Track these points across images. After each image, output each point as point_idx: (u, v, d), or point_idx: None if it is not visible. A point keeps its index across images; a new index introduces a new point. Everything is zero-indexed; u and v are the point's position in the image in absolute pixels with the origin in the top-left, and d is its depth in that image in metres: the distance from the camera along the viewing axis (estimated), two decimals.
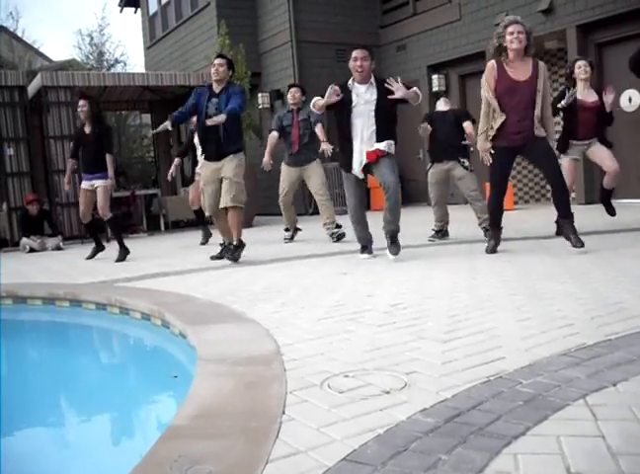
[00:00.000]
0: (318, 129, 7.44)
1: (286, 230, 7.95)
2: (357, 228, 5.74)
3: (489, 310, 3.28)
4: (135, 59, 42.95)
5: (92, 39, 21.37)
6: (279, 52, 13.31)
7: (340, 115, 5.45)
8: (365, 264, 5.41)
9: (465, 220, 8.08)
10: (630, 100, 9.54)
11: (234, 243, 6.13)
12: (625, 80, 9.62)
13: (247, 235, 7.01)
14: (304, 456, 1.72)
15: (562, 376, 2.18)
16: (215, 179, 6.09)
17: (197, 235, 9.00)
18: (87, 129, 7.38)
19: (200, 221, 8.57)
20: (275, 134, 7.73)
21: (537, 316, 3.06)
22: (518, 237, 6.40)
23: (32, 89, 11.45)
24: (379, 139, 5.35)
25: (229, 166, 6.01)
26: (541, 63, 5.17)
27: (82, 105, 7.32)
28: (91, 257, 7.61)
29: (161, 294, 4.53)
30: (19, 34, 22.50)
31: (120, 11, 19.09)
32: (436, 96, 12.73)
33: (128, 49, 49.15)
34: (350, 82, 5.43)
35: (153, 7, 16.92)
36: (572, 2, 9.95)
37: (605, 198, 6.42)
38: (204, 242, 8.34)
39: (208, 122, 5.82)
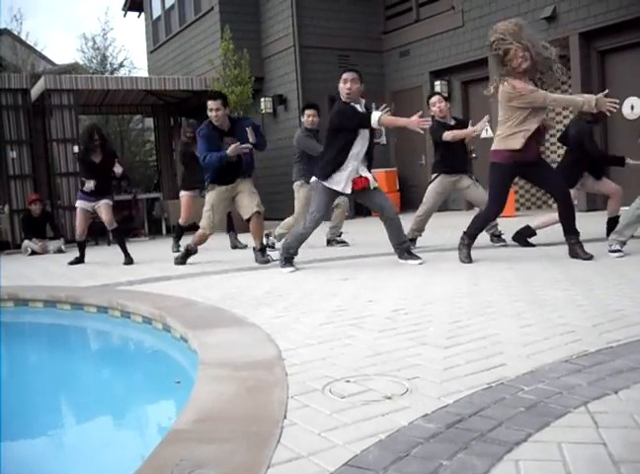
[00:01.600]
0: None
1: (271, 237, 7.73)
2: (302, 240, 5.70)
3: (490, 316, 3.28)
4: (138, 63, 43.10)
5: (95, 42, 21.44)
6: (281, 57, 13.33)
7: (347, 133, 5.40)
8: (366, 269, 5.41)
9: (464, 227, 8.07)
10: (632, 108, 9.55)
11: (258, 247, 6.35)
12: (627, 87, 9.65)
13: (248, 240, 7.02)
14: (306, 461, 1.72)
15: (563, 383, 2.18)
16: (228, 197, 6.32)
17: None
18: (97, 159, 7.42)
19: (179, 233, 8.47)
20: None
21: (539, 323, 3.06)
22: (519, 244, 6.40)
23: (35, 92, 11.48)
24: (368, 167, 5.54)
25: (245, 181, 6.32)
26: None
27: (97, 139, 7.36)
28: (73, 263, 7.62)
29: (162, 298, 4.53)
30: (22, 37, 22.56)
31: (124, 15, 19.17)
32: None
33: (132, 53, 49.32)
34: (357, 105, 5.43)
35: (157, 11, 16.96)
36: (575, 10, 9.97)
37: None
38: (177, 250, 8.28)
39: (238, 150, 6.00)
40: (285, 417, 2.05)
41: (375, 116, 5.28)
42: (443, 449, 1.72)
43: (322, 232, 7.69)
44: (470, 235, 5.46)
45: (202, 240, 6.55)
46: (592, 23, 9.78)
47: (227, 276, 5.64)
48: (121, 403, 3.35)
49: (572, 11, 10.02)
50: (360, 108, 5.43)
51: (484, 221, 5.54)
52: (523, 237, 6.26)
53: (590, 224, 7.17)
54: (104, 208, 7.51)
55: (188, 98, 13.63)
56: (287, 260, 5.66)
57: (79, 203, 7.62)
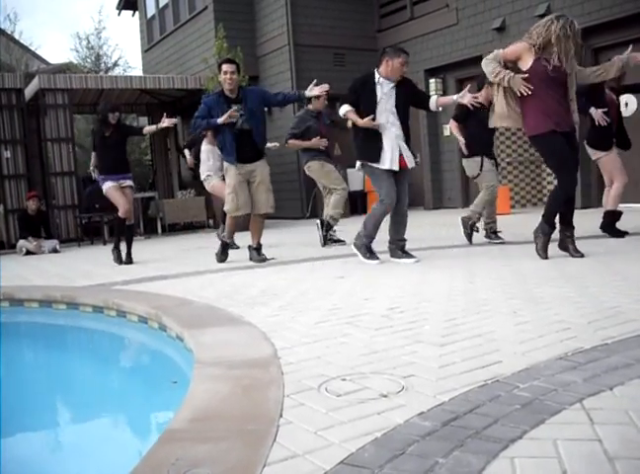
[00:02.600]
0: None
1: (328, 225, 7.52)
2: (378, 227, 5.57)
3: (486, 314, 3.28)
4: (133, 62, 43.02)
5: (89, 42, 21.40)
6: (276, 56, 13.33)
7: (365, 110, 5.40)
8: (362, 267, 5.41)
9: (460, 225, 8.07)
10: (626, 105, 9.56)
11: (255, 245, 6.34)
12: (621, 85, 9.65)
13: (245, 238, 7.02)
14: (302, 460, 1.72)
15: (559, 380, 2.18)
16: (246, 179, 6.18)
17: (193, 238, 9.00)
18: (107, 133, 7.12)
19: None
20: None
21: (534, 320, 3.07)
22: (515, 241, 6.41)
23: (29, 91, 11.46)
24: (407, 141, 5.50)
25: (264, 171, 6.23)
26: None
27: (116, 115, 7.11)
28: (127, 261, 7.18)
29: (158, 297, 4.53)
30: (16, 36, 22.50)
31: (118, 14, 19.14)
32: None
33: (126, 52, 49.23)
34: (377, 75, 5.42)
35: (151, 10, 16.94)
36: (569, 7, 9.98)
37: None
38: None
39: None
40: (281, 415, 2.05)
41: (343, 109, 5.47)
42: (439, 447, 1.72)
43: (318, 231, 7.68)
44: (550, 217, 5.02)
45: (234, 224, 6.41)
46: (585, 20, 9.79)
47: (223, 274, 5.63)
48: (117, 402, 3.35)
49: (565, 8, 10.03)
50: (392, 85, 5.40)
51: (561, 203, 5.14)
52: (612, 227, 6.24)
53: (586, 222, 7.19)
54: (129, 193, 7.18)
55: (182, 97, 13.61)
56: (370, 250, 5.59)
57: (107, 184, 7.11)
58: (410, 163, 5.50)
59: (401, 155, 5.44)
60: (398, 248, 5.58)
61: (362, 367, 2.50)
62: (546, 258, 4.99)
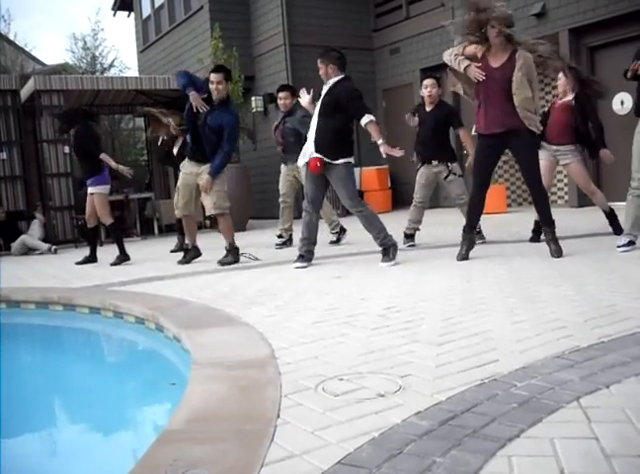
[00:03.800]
0: None
1: (280, 236, 7.79)
2: (307, 229, 5.65)
3: (483, 313, 3.29)
4: (129, 63, 42.93)
5: (85, 42, 21.35)
6: (272, 56, 13.32)
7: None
8: (359, 267, 5.41)
9: (457, 224, 8.09)
10: (622, 103, 9.59)
11: (227, 247, 6.31)
12: (617, 83, 9.68)
13: (240, 239, 7.01)
14: (299, 460, 1.72)
15: (556, 379, 2.18)
16: (192, 181, 6.33)
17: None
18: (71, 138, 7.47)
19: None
20: None
21: (531, 319, 3.07)
22: (511, 240, 6.43)
23: (25, 93, 11.43)
24: (318, 147, 5.43)
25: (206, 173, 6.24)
26: (522, 52, 5.13)
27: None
28: (82, 263, 7.51)
29: (155, 298, 4.52)
30: (11, 37, 22.44)
31: (114, 15, 19.10)
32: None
33: (122, 53, 49.15)
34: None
35: (146, 11, 16.91)
36: (564, 6, 10.00)
37: (611, 222, 6.20)
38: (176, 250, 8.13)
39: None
40: (279, 416, 2.05)
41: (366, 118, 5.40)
42: (437, 446, 1.73)
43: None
44: (465, 228, 5.37)
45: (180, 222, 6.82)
46: (581, 19, 9.81)
47: (220, 275, 5.63)
48: (115, 403, 3.34)
49: (561, 7, 10.05)
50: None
51: (470, 208, 5.47)
52: (538, 234, 6.14)
53: (581, 221, 7.21)
54: (95, 199, 7.27)
55: (178, 97, 13.58)
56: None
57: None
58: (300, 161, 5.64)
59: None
60: (382, 249, 5.42)
61: (360, 367, 2.50)
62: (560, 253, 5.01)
